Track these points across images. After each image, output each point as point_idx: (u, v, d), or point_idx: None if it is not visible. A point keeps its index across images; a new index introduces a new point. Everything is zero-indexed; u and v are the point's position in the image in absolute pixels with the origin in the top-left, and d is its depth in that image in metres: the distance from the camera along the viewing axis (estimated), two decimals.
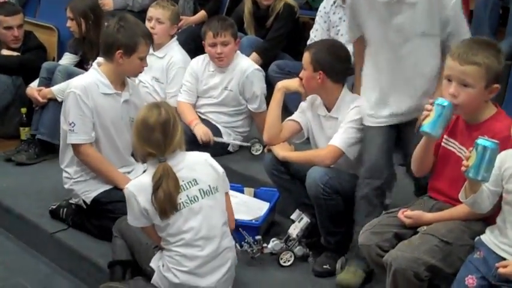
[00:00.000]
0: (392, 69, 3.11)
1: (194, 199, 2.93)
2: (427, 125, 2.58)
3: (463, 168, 2.39)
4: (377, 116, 3.17)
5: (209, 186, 2.96)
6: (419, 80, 3.10)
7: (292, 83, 3.48)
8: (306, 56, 3.36)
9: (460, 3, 3.06)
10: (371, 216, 3.00)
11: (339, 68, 3.37)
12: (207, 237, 2.93)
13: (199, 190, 2.94)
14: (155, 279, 3.00)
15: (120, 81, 3.63)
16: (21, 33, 5.22)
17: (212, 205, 2.97)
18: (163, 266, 2.97)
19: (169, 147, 2.91)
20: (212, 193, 2.97)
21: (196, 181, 2.95)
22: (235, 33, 4.31)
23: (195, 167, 2.98)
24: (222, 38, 4.21)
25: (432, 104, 2.58)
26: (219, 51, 4.23)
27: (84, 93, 3.52)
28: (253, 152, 4.35)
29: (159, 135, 2.89)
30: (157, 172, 2.87)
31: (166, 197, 2.86)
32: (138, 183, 2.97)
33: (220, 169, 3.06)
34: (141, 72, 3.73)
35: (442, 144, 2.79)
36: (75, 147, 3.56)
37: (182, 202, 2.91)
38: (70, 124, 3.51)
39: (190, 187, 2.93)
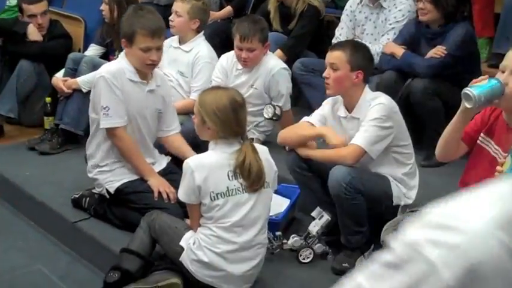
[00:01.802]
0: None
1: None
2: (474, 86, 2.56)
3: (496, 174, 2.37)
4: None
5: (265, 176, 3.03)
6: None
7: None
8: (340, 55, 3.31)
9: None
10: None
11: (372, 67, 3.47)
12: (246, 227, 2.99)
13: None
14: (183, 257, 3.05)
15: (141, 71, 3.62)
16: (45, 20, 5.20)
17: (261, 198, 3.02)
18: (194, 243, 3.03)
19: (246, 125, 3.06)
20: (264, 187, 3.02)
21: None
22: (264, 37, 4.20)
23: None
24: (249, 44, 4.15)
25: (487, 77, 2.58)
26: (244, 56, 4.18)
27: (114, 77, 3.53)
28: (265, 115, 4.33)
29: (245, 113, 3.02)
30: (248, 149, 2.96)
31: (260, 172, 2.97)
32: (199, 160, 3.02)
33: (275, 167, 3.12)
34: (151, 65, 3.58)
35: (478, 141, 2.78)
36: (110, 131, 3.56)
37: (235, 189, 2.96)
38: (104, 108, 3.52)
39: None
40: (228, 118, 2.95)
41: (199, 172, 2.95)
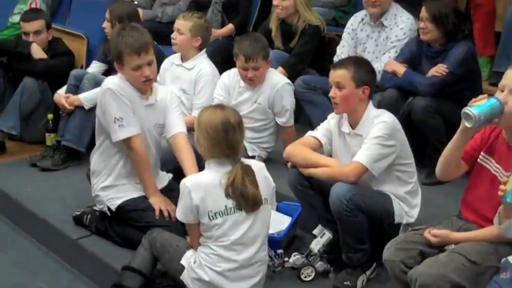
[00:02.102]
0: None
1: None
2: (474, 105, 2.57)
3: (500, 193, 2.36)
4: None
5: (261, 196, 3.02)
6: None
7: None
8: (343, 73, 3.31)
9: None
10: None
11: (375, 81, 3.49)
12: (246, 244, 2.98)
13: None
14: (184, 275, 3.05)
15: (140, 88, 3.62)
16: (39, 39, 5.16)
17: (259, 216, 3.01)
18: (194, 262, 3.02)
19: (240, 147, 3.02)
20: (262, 204, 3.01)
21: None
22: (266, 54, 4.24)
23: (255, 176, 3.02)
24: (254, 63, 4.16)
25: (487, 96, 2.59)
26: (250, 75, 4.19)
27: (120, 87, 3.53)
28: None
29: (238, 136, 2.98)
30: (238, 172, 2.94)
31: (252, 195, 2.95)
32: (196, 180, 3.01)
33: (273, 183, 3.11)
34: (146, 82, 3.57)
35: (478, 160, 2.80)
36: (127, 142, 3.55)
37: (233, 207, 2.96)
38: (118, 119, 3.51)
39: None
40: (219, 138, 2.95)
41: (196, 192, 2.95)
